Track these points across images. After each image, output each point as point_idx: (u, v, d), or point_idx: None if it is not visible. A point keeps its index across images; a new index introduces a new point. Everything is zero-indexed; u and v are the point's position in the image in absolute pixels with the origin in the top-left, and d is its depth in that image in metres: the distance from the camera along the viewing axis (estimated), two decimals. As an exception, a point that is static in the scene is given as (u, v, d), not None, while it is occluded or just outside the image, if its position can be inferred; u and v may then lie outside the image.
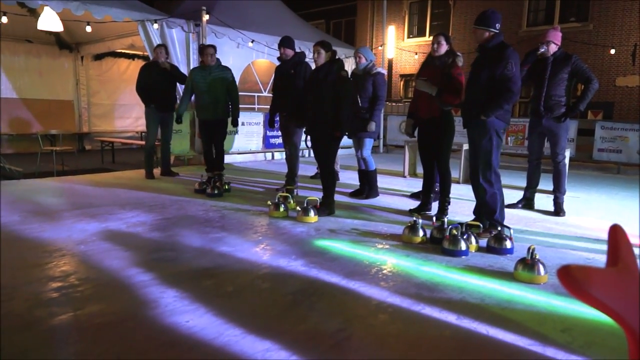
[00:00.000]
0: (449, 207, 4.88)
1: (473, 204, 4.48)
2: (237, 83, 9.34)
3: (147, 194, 5.70)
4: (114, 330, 2.28)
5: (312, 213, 4.57)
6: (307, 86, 5.08)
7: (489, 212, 4.18)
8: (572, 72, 4.96)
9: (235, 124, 6.56)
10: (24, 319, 2.37)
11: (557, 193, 5.23)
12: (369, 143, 5.82)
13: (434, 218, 4.64)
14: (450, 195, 4.93)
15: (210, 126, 6.40)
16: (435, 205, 5.07)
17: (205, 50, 6.34)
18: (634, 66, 12.70)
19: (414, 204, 5.37)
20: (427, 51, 4.99)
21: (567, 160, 5.54)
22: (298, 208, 4.68)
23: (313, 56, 4.95)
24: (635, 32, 12.69)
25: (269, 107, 6.48)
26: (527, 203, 5.47)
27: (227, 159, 8.99)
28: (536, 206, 5.45)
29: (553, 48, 5.01)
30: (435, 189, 5.59)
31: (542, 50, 4.97)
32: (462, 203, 5.59)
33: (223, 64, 6.68)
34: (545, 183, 5.72)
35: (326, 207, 4.83)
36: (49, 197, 5.45)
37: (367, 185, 5.89)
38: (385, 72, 5.99)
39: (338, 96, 4.72)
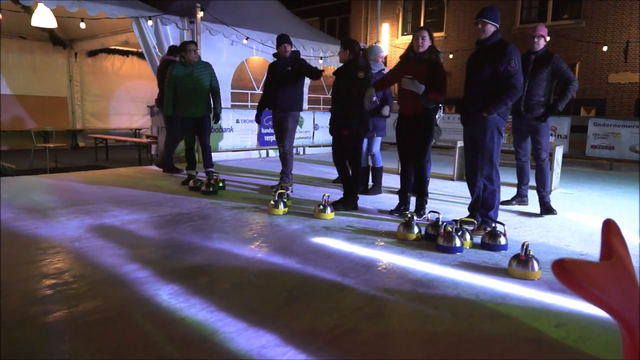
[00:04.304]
0: (427, 205, 4.79)
1: (467, 202, 4.50)
2: (230, 80, 9.42)
3: (141, 192, 5.68)
4: (109, 328, 2.27)
5: (328, 210, 4.61)
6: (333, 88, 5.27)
7: (485, 208, 4.20)
8: (552, 71, 4.93)
9: (217, 119, 6.51)
10: (19, 316, 2.36)
11: (543, 192, 5.12)
12: (377, 140, 5.88)
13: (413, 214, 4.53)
14: (444, 192, 4.95)
15: (196, 123, 6.28)
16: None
17: (188, 47, 6.10)
18: (626, 63, 12.77)
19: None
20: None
21: (560, 158, 5.52)
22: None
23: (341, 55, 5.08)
24: (627, 29, 12.76)
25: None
26: (521, 199, 5.49)
27: (222, 156, 9.01)
28: (530, 202, 5.48)
29: (542, 43, 4.99)
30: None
31: (535, 44, 4.99)
32: (455, 200, 5.61)
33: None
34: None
35: (346, 203, 4.92)
36: (43, 194, 5.42)
37: (373, 181, 5.97)
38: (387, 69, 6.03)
39: (349, 96, 4.80)
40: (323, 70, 5.95)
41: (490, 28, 4.03)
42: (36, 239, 3.68)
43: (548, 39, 5.10)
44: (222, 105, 6.72)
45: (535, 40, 4.98)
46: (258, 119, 6.23)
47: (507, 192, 5.63)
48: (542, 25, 5.16)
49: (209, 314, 2.43)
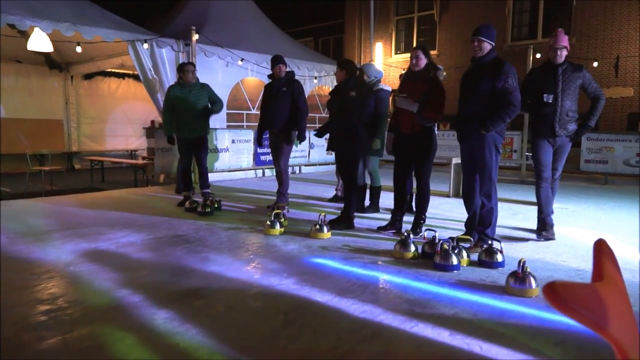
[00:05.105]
0: (423, 224, 4.75)
1: (463, 219, 4.50)
2: (226, 101, 9.47)
3: (137, 214, 5.66)
4: (103, 354, 2.24)
5: (325, 229, 4.60)
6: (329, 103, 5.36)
7: (482, 226, 4.19)
8: (582, 85, 4.55)
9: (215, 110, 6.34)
10: (13, 343, 2.33)
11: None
12: (373, 160, 5.91)
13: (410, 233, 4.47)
14: (440, 210, 4.94)
15: (193, 144, 6.28)
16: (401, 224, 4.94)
17: (187, 68, 6.16)
18: (617, 78, 12.93)
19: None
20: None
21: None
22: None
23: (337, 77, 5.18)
24: (617, 44, 12.96)
25: (257, 124, 6.47)
26: (552, 229, 4.69)
27: (218, 176, 9.01)
28: (526, 218, 5.47)
29: (565, 55, 4.54)
30: (410, 204, 5.58)
31: (558, 56, 4.52)
32: (451, 217, 5.61)
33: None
34: (524, 194, 5.74)
35: (342, 222, 4.94)
36: (38, 217, 5.40)
37: (370, 200, 5.98)
38: (389, 88, 6.01)
39: (342, 114, 4.86)
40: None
41: (487, 46, 4.05)
42: (30, 263, 3.65)
43: (569, 49, 4.67)
44: (218, 126, 6.75)
45: (558, 53, 4.50)
46: (260, 142, 6.28)
47: (503, 208, 5.63)
48: (562, 32, 4.59)
49: (204, 338, 2.40)
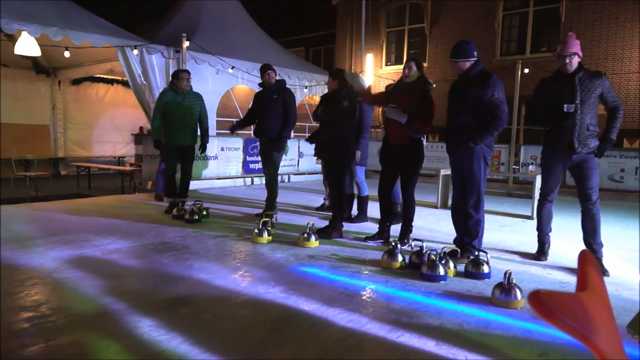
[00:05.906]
0: (410, 233, 4.78)
1: (451, 229, 4.52)
2: (216, 109, 9.47)
3: (123, 221, 5.61)
4: (87, 362, 2.21)
5: (313, 238, 4.59)
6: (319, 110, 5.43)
7: (469, 237, 4.21)
8: (602, 94, 4.04)
9: (204, 149, 6.55)
10: (-7, 351, 2.29)
11: (594, 245, 4.23)
12: (359, 170, 5.93)
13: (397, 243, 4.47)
14: (427, 220, 4.96)
15: (182, 152, 6.26)
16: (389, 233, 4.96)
17: (182, 75, 6.16)
18: (603, 94, 13.17)
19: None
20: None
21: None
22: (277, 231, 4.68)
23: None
24: (604, 62, 13.20)
25: (247, 132, 6.49)
26: (548, 248, 4.54)
27: (206, 184, 8.98)
28: (514, 229, 5.51)
29: (576, 62, 4.03)
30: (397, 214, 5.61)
31: (567, 64, 4.01)
32: (439, 227, 5.64)
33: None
34: (511, 207, 5.79)
35: (330, 231, 4.95)
36: (22, 223, 5.32)
37: (358, 210, 6.01)
38: None
39: (335, 122, 4.93)
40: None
41: (464, 65, 4.07)
42: (14, 270, 3.59)
43: (581, 55, 4.09)
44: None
45: (567, 60, 3.99)
46: (232, 129, 6.33)
47: (490, 220, 5.66)
48: (572, 37, 4.04)
49: (189, 346, 2.38)
